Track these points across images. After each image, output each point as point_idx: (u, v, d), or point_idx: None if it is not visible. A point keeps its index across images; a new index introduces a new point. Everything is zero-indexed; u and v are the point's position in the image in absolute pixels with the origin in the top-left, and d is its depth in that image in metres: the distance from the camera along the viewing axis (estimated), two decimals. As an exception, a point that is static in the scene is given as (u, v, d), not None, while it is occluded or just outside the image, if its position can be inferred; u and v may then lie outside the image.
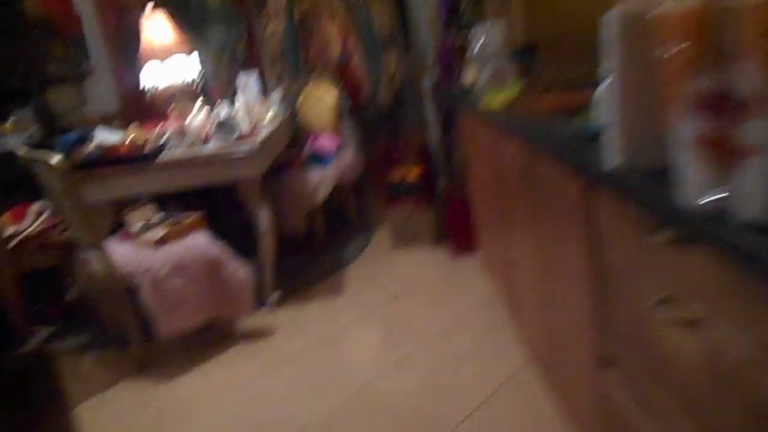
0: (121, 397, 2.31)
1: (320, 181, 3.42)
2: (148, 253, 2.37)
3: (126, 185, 2.65)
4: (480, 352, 2.24)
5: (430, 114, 3.54)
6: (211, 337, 2.59)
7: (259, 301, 2.77)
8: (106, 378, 2.48)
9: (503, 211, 2.06)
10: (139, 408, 2.22)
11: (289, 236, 3.37)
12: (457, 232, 3.14)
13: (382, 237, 3.61)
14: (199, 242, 2.47)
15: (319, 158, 3.59)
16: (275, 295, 2.87)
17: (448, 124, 3.28)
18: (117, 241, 2.55)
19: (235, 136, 2.67)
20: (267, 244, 2.79)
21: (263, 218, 2.74)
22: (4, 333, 1.61)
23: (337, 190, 3.63)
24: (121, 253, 2.40)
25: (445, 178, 3.34)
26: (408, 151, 3.60)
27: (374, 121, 4.15)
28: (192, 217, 2.55)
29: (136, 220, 2.55)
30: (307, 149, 3.65)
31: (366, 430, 1.93)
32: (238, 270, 2.52)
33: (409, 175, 3.40)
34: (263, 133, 2.83)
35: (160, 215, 2.60)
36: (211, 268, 2.47)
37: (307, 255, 3.49)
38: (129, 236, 2.55)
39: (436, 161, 3.47)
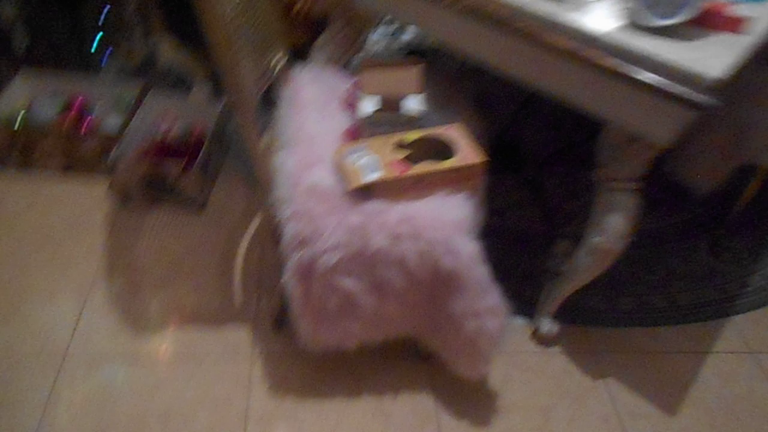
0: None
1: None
2: (333, 200, 1.09)
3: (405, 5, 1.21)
4: None
5: None
6: (394, 353, 1.42)
7: (523, 314, 1.42)
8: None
9: None
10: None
11: (667, 185, 1.68)
12: None
13: None
14: (440, 224, 1.08)
15: None
16: (549, 327, 1.45)
17: None
18: (314, 107, 1.27)
19: (681, 16, 0.92)
20: (591, 263, 1.25)
21: (615, 222, 1.15)
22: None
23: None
24: (300, 157, 1.15)
25: None
26: None
27: None
28: (469, 158, 1.10)
29: (370, 88, 1.19)
30: None
31: None
32: (486, 315, 1.14)
33: None
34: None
35: (418, 111, 1.18)
36: (432, 289, 1.13)
37: (674, 249, 1.79)
38: (349, 107, 1.26)
39: None
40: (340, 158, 1.11)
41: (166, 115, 1.89)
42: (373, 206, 1.08)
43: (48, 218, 1.68)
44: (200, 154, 1.71)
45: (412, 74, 1.21)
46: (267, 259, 1.63)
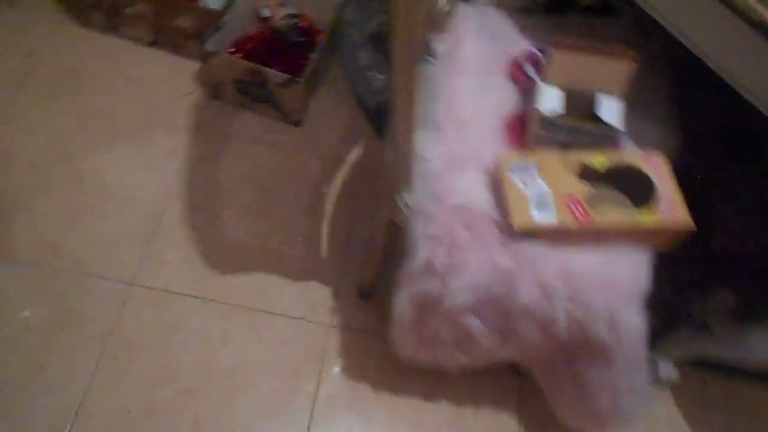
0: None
1: None
2: (482, 229, 0.85)
3: None
4: None
5: None
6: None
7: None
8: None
9: None
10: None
11: None
12: None
13: None
14: (607, 288, 0.84)
15: None
16: (669, 373, 1.25)
17: None
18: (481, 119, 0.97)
19: None
20: None
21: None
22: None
23: None
24: (458, 179, 0.89)
25: None
26: None
27: None
28: (673, 215, 0.82)
29: (557, 76, 0.88)
30: None
31: None
32: (626, 393, 0.94)
33: None
34: None
35: (613, 123, 0.88)
36: (571, 351, 0.92)
37: None
38: (515, 133, 0.96)
39: None
40: (502, 172, 0.85)
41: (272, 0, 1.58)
42: (530, 250, 0.84)
43: (129, 102, 1.48)
44: (310, 62, 1.44)
45: (619, 69, 0.89)
46: (360, 213, 1.43)
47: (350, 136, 1.54)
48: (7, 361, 1.13)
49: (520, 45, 1.02)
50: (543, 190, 0.83)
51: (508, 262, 0.83)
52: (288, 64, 1.48)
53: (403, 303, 0.92)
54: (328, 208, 1.42)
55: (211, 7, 1.50)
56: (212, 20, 1.45)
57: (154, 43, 1.56)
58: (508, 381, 1.26)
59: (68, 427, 1.09)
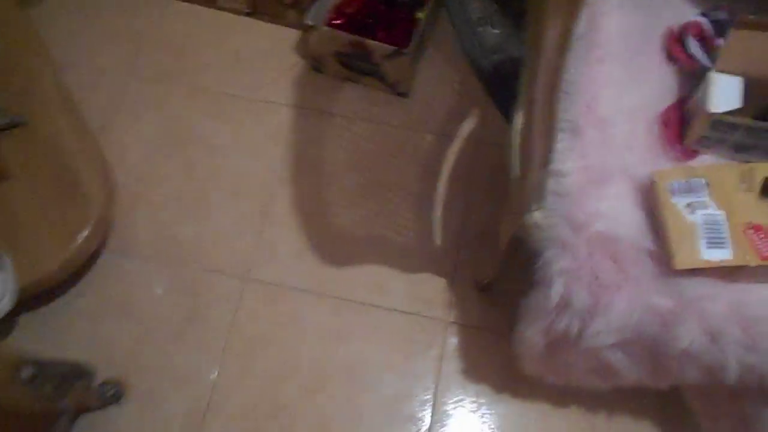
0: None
1: None
2: (632, 263, 0.71)
3: None
4: None
5: None
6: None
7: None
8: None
9: None
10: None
11: None
12: None
13: None
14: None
15: None
16: None
17: None
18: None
19: None
20: None
21: None
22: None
23: None
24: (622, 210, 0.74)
25: None
26: None
27: None
28: None
29: (732, 61, 0.69)
30: None
31: None
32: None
33: None
34: None
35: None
36: (737, 392, 0.78)
37: None
38: (674, 134, 0.77)
39: None
40: (659, 194, 0.70)
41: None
42: (696, 289, 0.69)
43: (232, 78, 1.42)
44: (417, 26, 1.29)
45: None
46: (475, 195, 1.30)
47: (462, 105, 1.40)
48: (142, 353, 1.18)
49: (682, 12, 0.82)
50: (714, 215, 0.67)
51: (666, 303, 0.70)
52: (393, 27, 1.34)
53: (532, 334, 0.81)
54: (440, 190, 1.32)
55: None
56: (310, -13, 1.33)
57: (251, 14, 1.48)
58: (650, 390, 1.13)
59: (200, 421, 1.13)
